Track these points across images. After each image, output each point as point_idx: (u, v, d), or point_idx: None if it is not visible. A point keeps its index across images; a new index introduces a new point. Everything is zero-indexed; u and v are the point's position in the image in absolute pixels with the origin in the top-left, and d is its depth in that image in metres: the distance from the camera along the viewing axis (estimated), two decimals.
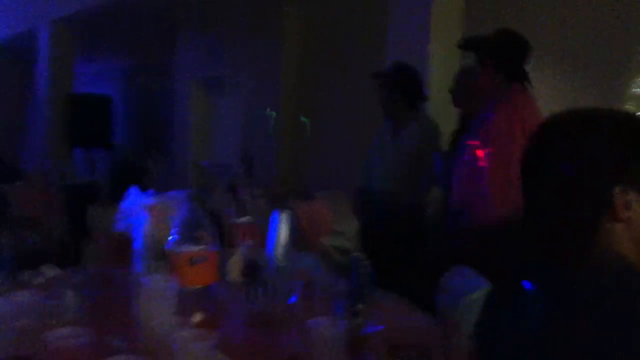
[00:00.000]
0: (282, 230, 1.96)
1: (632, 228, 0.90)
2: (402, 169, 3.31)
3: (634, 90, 5.51)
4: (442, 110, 3.66)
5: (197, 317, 1.37)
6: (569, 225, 0.93)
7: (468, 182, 2.63)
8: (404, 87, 3.40)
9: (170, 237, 1.67)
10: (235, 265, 1.82)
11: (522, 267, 1.05)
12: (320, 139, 5.96)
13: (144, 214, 1.87)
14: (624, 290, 0.86)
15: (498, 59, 2.65)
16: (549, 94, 2.74)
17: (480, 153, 2.58)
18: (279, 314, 1.52)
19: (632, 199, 0.89)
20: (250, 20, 6.58)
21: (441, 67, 3.94)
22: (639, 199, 0.89)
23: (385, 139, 3.47)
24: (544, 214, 0.96)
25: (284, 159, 6.09)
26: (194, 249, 1.60)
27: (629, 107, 5.05)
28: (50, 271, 1.91)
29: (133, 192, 2.13)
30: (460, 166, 2.71)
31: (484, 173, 2.54)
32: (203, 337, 1.12)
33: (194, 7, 6.81)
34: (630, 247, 0.91)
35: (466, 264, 2.09)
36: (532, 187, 0.98)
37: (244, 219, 2.02)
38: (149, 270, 1.64)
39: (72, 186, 5.60)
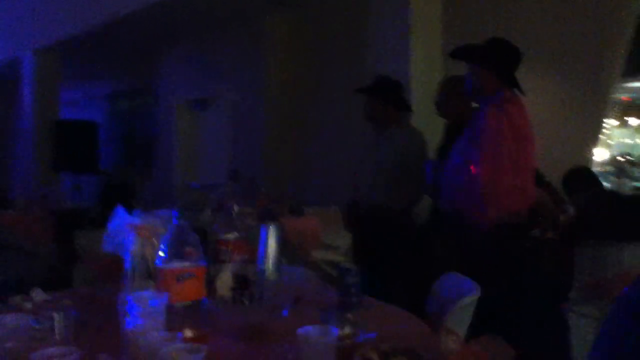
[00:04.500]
0: (271, 244, 1.97)
1: None
2: (389, 178, 3.33)
3: (617, 95, 5.60)
4: (425, 121, 3.70)
5: (187, 333, 1.37)
6: None
7: (459, 187, 2.66)
8: (387, 98, 3.44)
9: (158, 255, 1.67)
10: (224, 281, 1.82)
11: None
12: (309, 152, 5.97)
13: (131, 234, 1.86)
14: None
15: (490, 66, 2.68)
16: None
17: (470, 158, 2.60)
18: (269, 327, 1.52)
19: None
20: (232, 36, 6.62)
21: (423, 78, 3.98)
22: None
23: (371, 149, 3.51)
24: None
25: (272, 174, 6.10)
26: (181, 265, 1.60)
27: (615, 112, 5.12)
28: (39, 296, 1.90)
29: (120, 212, 2.13)
30: (451, 171, 2.74)
31: (475, 177, 2.56)
32: (192, 351, 1.12)
33: (176, 26, 6.85)
34: None
35: (457, 269, 2.11)
36: None
37: (231, 235, 2.02)
38: (137, 289, 1.63)
39: (59, 211, 5.56)
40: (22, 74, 8.51)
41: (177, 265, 1.59)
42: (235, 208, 2.31)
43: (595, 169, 4.59)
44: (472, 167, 2.58)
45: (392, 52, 4.13)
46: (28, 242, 4.75)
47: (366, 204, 3.42)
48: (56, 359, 1.12)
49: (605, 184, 4.51)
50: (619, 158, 7.11)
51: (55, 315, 1.48)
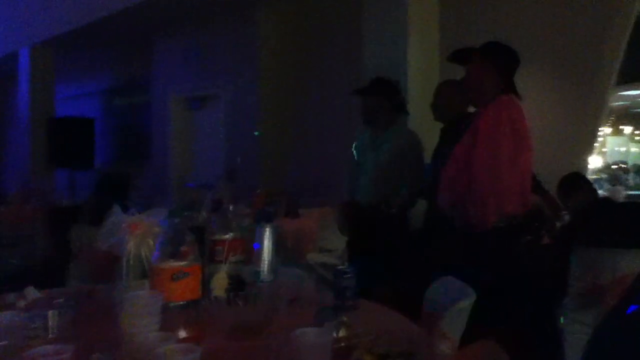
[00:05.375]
0: (267, 245, 1.97)
1: None
2: (386, 179, 3.34)
3: (613, 104, 5.63)
4: (421, 124, 3.70)
5: (182, 333, 1.36)
6: None
7: (458, 189, 2.65)
8: (385, 99, 3.44)
9: (154, 254, 1.67)
10: (220, 281, 1.82)
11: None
12: (304, 151, 5.94)
13: (127, 231, 1.86)
14: None
15: (490, 67, 2.68)
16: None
17: (470, 160, 2.60)
18: (264, 327, 1.51)
19: None
20: (224, 31, 6.58)
21: (419, 81, 3.98)
22: None
23: (367, 150, 3.51)
24: None
25: (268, 174, 6.07)
26: (176, 264, 1.60)
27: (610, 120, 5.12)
28: (32, 294, 1.89)
29: (116, 210, 2.12)
30: (449, 173, 2.73)
31: (475, 179, 2.56)
32: (187, 350, 1.12)
33: (170, 21, 6.82)
34: None
35: (452, 271, 2.11)
36: None
37: (228, 235, 2.01)
38: (132, 287, 1.63)
39: (54, 207, 5.54)
40: (18, 69, 8.48)
41: (172, 264, 1.58)
42: (231, 208, 2.31)
43: (590, 176, 4.61)
44: (472, 170, 2.58)
45: (387, 54, 4.12)
46: (20, 237, 4.74)
47: (362, 205, 3.42)
48: (50, 356, 1.11)
49: (599, 191, 4.52)
50: (613, 166, 7.15)
51: (49, 313, 1.48)
